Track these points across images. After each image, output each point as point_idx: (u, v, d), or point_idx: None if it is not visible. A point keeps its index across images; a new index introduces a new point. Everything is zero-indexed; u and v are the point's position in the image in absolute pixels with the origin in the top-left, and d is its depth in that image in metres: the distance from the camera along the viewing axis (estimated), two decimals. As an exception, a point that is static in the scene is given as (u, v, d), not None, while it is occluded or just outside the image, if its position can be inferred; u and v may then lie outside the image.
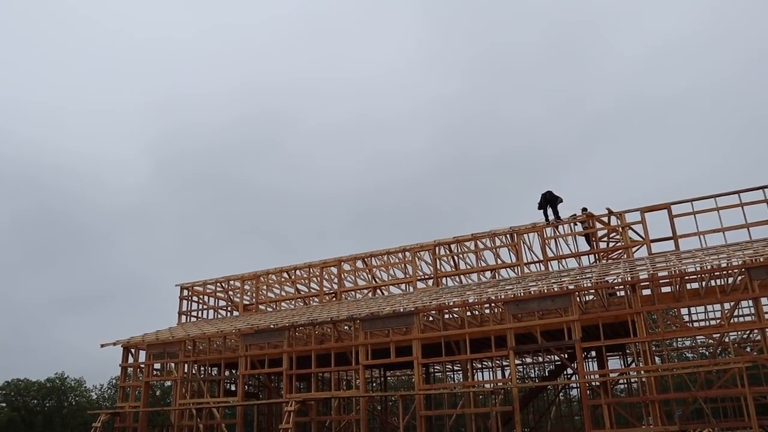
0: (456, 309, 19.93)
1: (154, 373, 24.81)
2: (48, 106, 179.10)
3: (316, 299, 27.01)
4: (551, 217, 22.28)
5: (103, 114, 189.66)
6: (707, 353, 27.29)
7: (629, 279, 16.85)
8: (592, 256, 22.29)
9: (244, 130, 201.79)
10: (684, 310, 22.46)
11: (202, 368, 24.94)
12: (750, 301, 17.95)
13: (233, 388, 24.86)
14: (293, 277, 27.89)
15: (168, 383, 40.55)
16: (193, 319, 29.07)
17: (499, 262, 23.35)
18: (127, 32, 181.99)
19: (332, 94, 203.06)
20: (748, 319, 22.05)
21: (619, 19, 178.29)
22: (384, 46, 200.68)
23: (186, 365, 23.07)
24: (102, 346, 24.75)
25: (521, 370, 30.81)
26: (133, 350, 24.68)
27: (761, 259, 15.42)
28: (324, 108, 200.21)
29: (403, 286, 25.86)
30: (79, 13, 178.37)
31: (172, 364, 23.55)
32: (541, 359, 29.74)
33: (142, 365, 24.45)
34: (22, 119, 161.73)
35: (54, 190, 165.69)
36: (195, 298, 29.49)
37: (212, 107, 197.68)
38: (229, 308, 29.69)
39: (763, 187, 19.41)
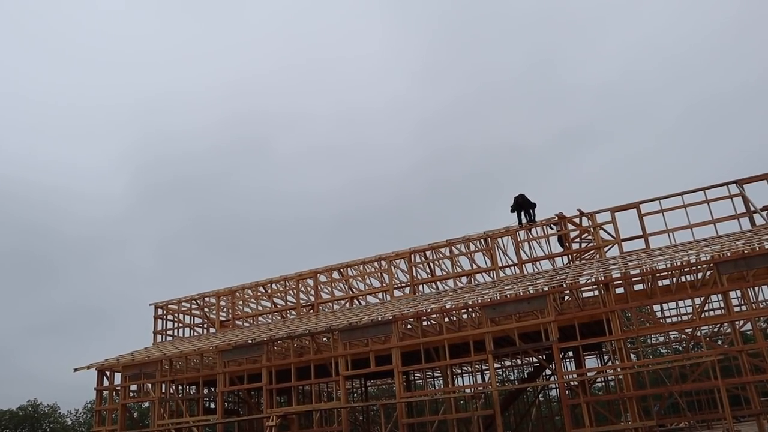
0: (434, 315, 19.98)
1: (131, 394, 24.34)
2: (19, 124, 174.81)
3: (293, 312, 26.82)
4: (524, 220, 22.51)
5: (75, 127, 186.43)
6: (680, 348, 27.85)
7: (602, 278, 17.12)
8: (565, 258, 22.58)
9: (224, 136, 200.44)
10: (656, 307, 22.93)
11: (180, 387, 24.55)
12: (719, 295, 18.44)
13: (212, 405, 24.53)
14: (269, 290, 27.66)
15: (145, 404, 39.80)
16: (169, 338, 28.64)
17: (475, 267, 23.51)
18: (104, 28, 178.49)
19: (317, 105, 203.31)
20: (718, 312, 22.56)
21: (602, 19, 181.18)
22: (366, 47, 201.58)
23: (163, 385, 22.69)
24: (75, 370, 24.23)
25: (500, 373, 30.98)
26: (108, 373, 24.19)
27: (729, 254, 15.78)
28: (307, 119, 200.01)
29: (380, 295, 25.84)
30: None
31: (149, 385, 23.15)
32: (519, 362, 29.95)
33: (118, 387, 24.00)
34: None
35: (26, 210, 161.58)
36: (170, 317, 29.05)
37: (192, 111, 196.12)
38: (205, 325, 29.31)
39: (727, 183, 19.92)
